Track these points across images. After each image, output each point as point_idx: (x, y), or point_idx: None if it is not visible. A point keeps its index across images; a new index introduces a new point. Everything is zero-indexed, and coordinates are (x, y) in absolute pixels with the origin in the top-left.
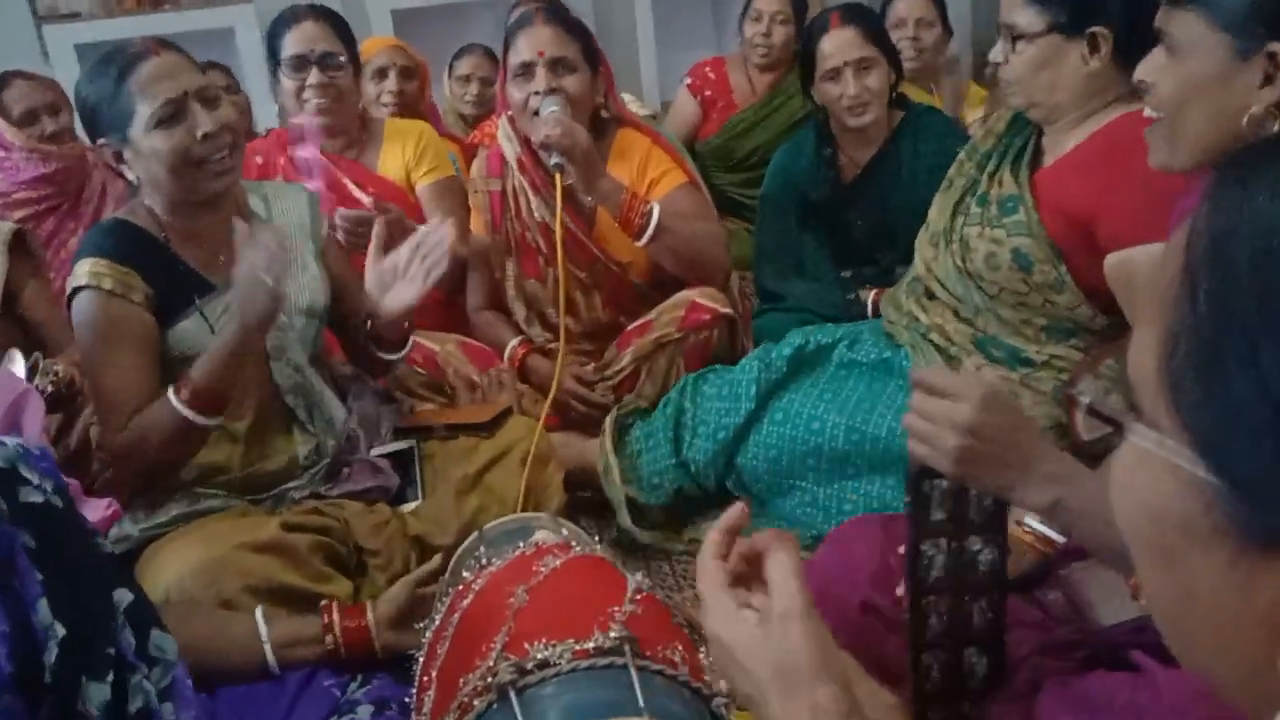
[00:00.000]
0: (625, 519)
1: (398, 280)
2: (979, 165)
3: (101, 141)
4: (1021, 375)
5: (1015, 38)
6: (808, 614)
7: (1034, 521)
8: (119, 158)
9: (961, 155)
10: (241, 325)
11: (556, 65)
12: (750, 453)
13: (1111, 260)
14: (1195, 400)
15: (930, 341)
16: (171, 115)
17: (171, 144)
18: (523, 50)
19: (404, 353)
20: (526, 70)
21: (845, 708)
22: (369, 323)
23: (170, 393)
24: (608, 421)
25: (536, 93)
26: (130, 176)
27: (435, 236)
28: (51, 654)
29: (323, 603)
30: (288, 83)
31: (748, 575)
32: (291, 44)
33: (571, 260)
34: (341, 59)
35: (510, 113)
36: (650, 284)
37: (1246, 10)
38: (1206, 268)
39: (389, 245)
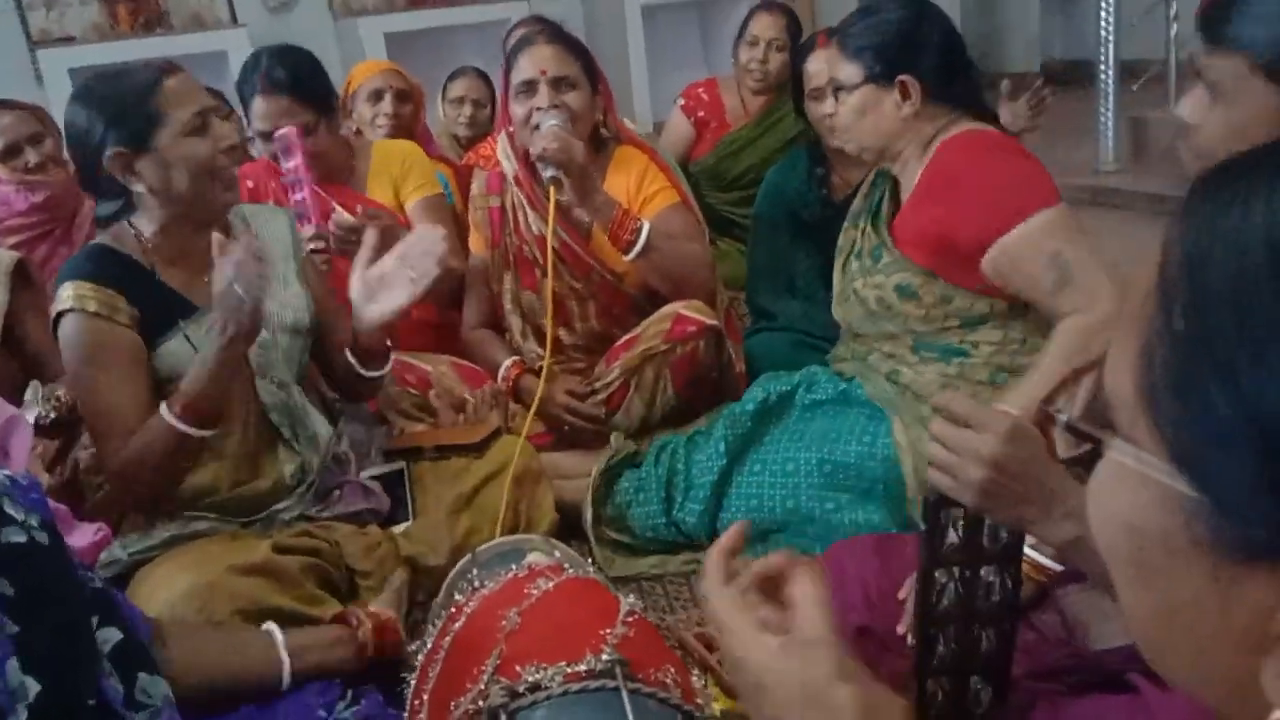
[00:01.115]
0: (605, 568)
1: (382, 288)
2: (854, 224)
3: (113, 150)
4: (958, 367)
5: (837, 89)
6: (833, 641)
7: (1032, 551)
8: (129, 167)
9: (846, 223)
10: (222, 335)
11: (559, 83)
12: (734, 507)
13: (987, 260)
14: (1173, 415)
15: (870, 364)
16: (200, 125)
17: (200, 152)
18: (525, 69)
19: (385, 370)
20: (529, 88)
21: (863, 705)
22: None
23: (163, 408)
24: (595, 472)
25: (539, 108)
26: (137, 187)
27: (422, 244)
28: (20, 717)
29: (344, 609)
30: (261, 149)
31: (761, 596)
32: (256, 118)
33: (567, 271)
34: (308, 125)
35: (511, 129)
36: (644, 295)
37: None
38: (1181, 283)
39: (379, 253)
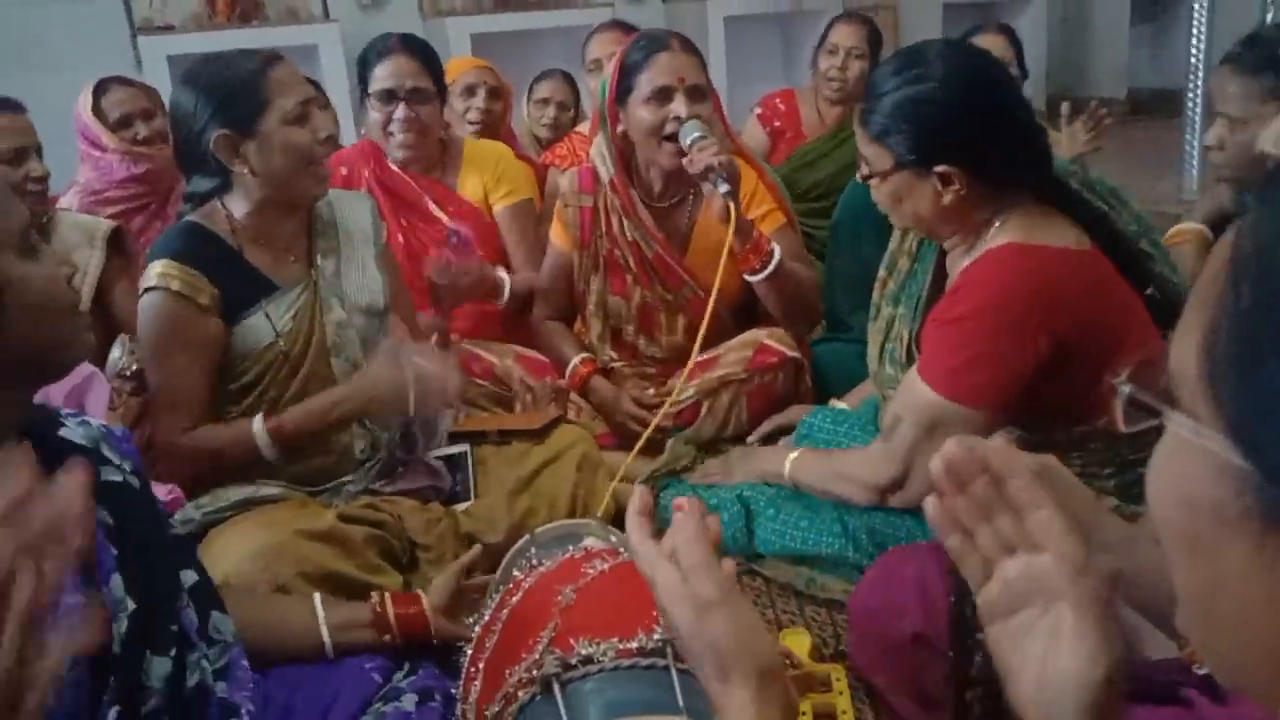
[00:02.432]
0: None
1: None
2: (893, 299)
3: (219, 133)
4: None
5: (868, 175)
6: (725, 602)
7: None
8: (234, 149)
9: (882, 273)
10: (368, 405)
11: (694, 92)
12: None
13: None
14: (1232, 389)
15: None
16: (302, 114)
17: (300, 140)
18: (660, 75)
19: None
20: (663, 94)
21: (764, 704)
22: None
23: (258, 420)
24: (638, 482)
25: (676, 118)
26: (239, 169)
27: (436, 385)
28: (122, 625)
29: (372, 594)
30: (375, 114)
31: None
32: (381, 77)
33: (659, 281)
34: (429, 92)
35: (620, 129)
36: (734, 315)
37: None
38: (1250, 263)
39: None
